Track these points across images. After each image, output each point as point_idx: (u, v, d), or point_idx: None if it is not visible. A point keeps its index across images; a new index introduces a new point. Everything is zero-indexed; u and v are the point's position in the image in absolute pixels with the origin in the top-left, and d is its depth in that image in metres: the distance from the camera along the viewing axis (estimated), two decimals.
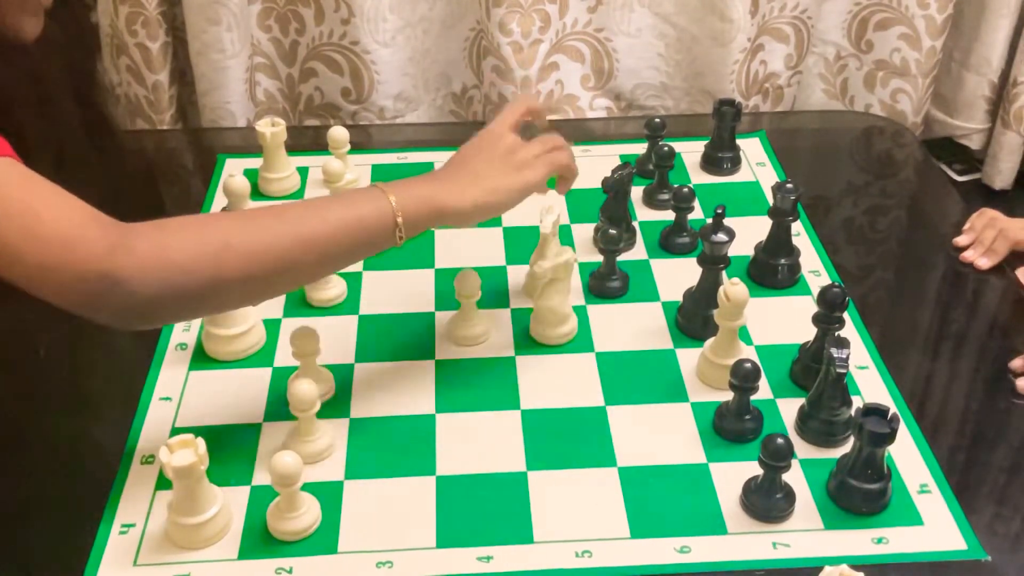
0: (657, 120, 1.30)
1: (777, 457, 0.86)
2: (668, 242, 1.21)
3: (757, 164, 1.37)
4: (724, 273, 1.06)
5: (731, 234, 1.05)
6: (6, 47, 0.87)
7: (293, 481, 0.84)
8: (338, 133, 1.28)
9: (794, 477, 0.90)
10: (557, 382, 1.03)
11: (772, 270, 1.15)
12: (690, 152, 1.37)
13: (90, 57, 1.09)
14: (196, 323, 1.10)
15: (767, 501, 0.88)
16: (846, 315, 0.99)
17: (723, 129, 1.35)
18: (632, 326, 1.10)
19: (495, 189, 0.95)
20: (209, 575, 0.85)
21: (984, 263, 1.18)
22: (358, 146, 1.33)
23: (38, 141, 0.91)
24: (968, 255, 1.19)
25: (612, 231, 1.12)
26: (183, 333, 1.09)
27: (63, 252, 0.77)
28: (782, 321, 1.09)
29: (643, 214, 1.27)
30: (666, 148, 1.25)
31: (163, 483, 0.91)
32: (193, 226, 0.85)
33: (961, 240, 1.21)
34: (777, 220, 1.14)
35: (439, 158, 1.37)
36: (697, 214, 1.23)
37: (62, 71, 0.99)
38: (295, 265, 0.86)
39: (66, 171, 0.97)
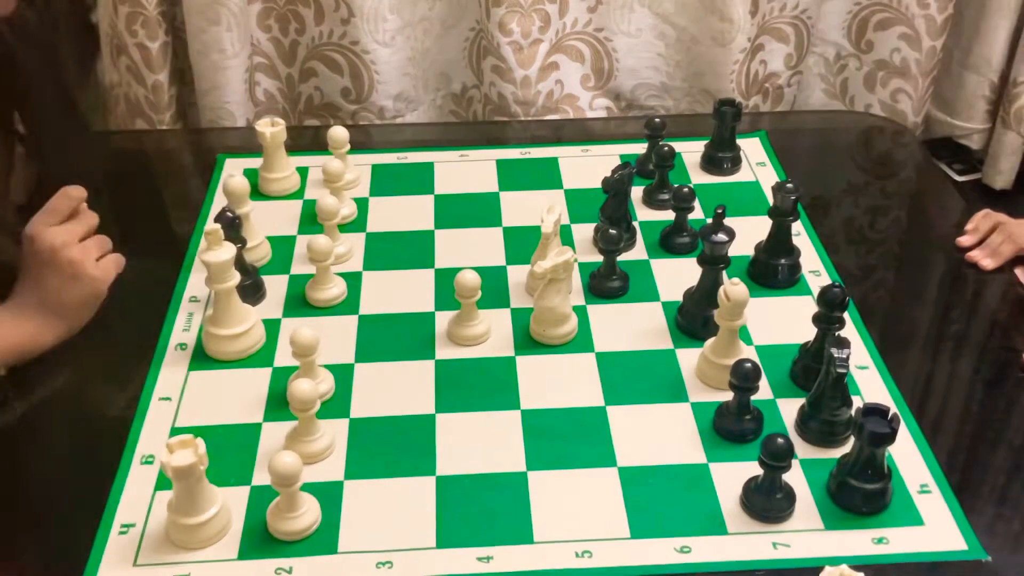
0: (657, 120, 1.30)
1: (777, 457, 0.86)
2: (668, 242, 1.21)
3: (757, 164, 1.37)
4: (724, 273, 1.06)
5: (731, 234, 1.05)
6: None
7: (293, 481, 0.84)
8: (338, 133, 1.28)
9: (794, 477, 0.90)
10: (557, 382, 1.03)
11: (772, 270, 1.15)
12: (690, 152, 1.37)
13: (90, 57, 1.09)
14: (196, 323, 1.10)
15: (767, 501, 0.88)
16: (846, 315, 0.99)
17: (723, 129, 1.35)
18: (632, 326, 1.10)
19: (73, 311, 1.00)
20: (209, 575, 0.85)
21: (989, 264, 1.18)
22: (358, 146, 1.33)
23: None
24: (975, 255, 1.19)
25: (612, 231, 1.12)
26: (183, 333, 1.09)
27: None
28: (782, 321, 1.09)
29: (643, 214, 1.27)
30: (666, 148, 1.25)
31: (163, 483, 0.91)
32: None
33: (964, 240, 1.21)
34: (777, 220, 1.14)
35: (439, 158, 1.38)
36: (697, 214, 1.23)
37: (47, 67, 0.99)
38: None
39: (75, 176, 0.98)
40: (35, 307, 0.98)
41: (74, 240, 1.00)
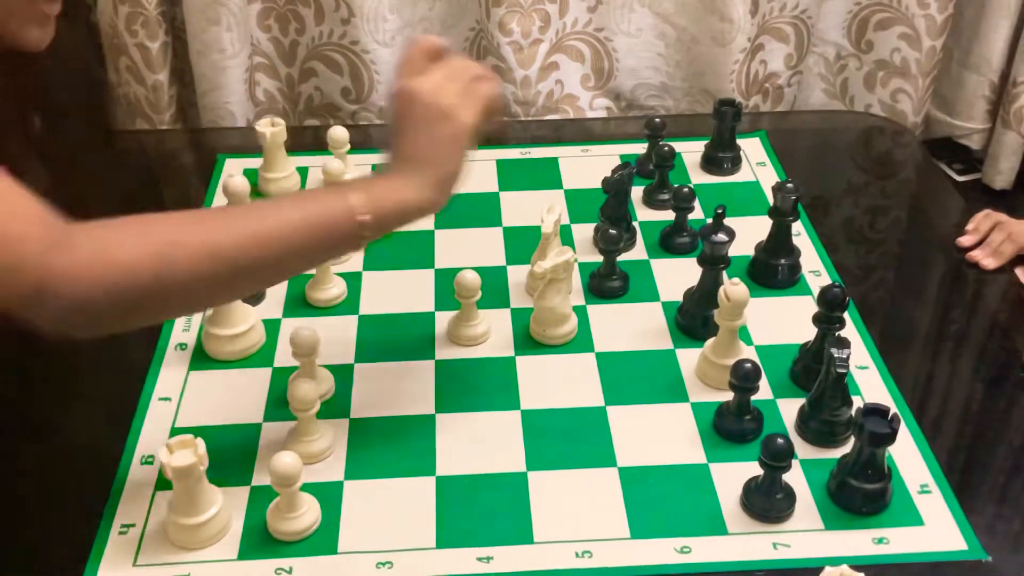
0: (657, 120, 1.30)
1: (777, 457, 0.86)
2: (668, 242, 1.21)
3: (757, 164, 1.37)
4: (724, 273, 1.06)
5: (731, 234, 1.05)
6: (12, 56, 0.86)
7: (293, 481, 0.84)
8: (338, 133, 1.28)
9: (794, 477, 0.90)
10: (557, 382, 1.03)
11: (772, 270, 1.15)
12: (690, 152, 1.37)
13: (100, 64, 1.08)
14: (196, 323, 1.10)
15: (767, 501, 0.88)
16: (846, 315, 0.99)
17: (723, 129, 1.35)
18: (632, 326, 1.10)
19: (444, 166, 0.88)
20: (209, 575, 0.85)
21: (990, 263, 1.18)
22: (358, 146, 1.33)
23: (45, 148, 0.91)
24: (976, 254, 1.19)
25: (612, 231, 1.12)
26: (183, 333, 1.09)
27: (3, 253, 0.73)
28: (782, 321, 1.09)
29: (643, 214, 1.27)
30: (666, 148, 1.25)
31: (163, 483, 0.91)
32: (137, 224, 0.79)
33: (965, 240, 1.21)
34: (777, 220, 1.14)
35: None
36: (697, 214, 1.23)
37: (68, 78, 0.98)
38: (249, 266, 0.81)
39: (75, 176, 0.97)
40: (411, 165, 0.88)
41: (441, 86, 0.88)
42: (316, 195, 0.90)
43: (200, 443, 0.83)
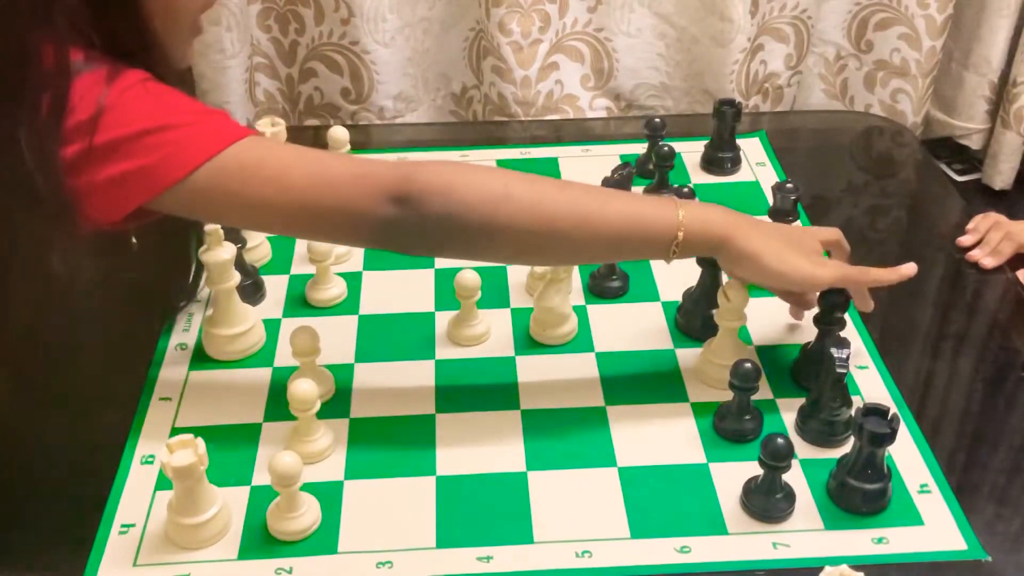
0: (657, 120, 1.30)
1: (777, 457, 0.86)
2: None
3: (757, 164, 1.37)
4: (724, 273, 1.06)
5: None
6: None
7: (293, 481, 0.84)
8: (338, 133, 1.28)
9: (794, 477, 0.90)
10: (557, 382, 1.03)
11: None
12: (690, 152, 1.37)
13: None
14: (196, 323, 1.10)
15: (767, 501, 0.88)
16: (846, 315, 0.99)
17: (723, 129, 1.35)
18: (632, 326, 1.10)
19: (783, 258, 0.93)
20: (209, 575, 0.85)
21: (989, 263, 1.18)
22: (358, 146, 1.33)
23: None
24: (975, 254, 1.19)
25: None
26: (183, 333, 1.09)
27: (362, 184, 0.85)
28: (782, 321, 1.09)
29: None
30: (666, 148, 1.25)
31: (163, 483, 0.91)
32: (480, 171, 0.91)
33: (965, 240, 1.21)
34: (777, 220, 1.14)
35: (439, 158, 1.38)
36: None
37: None
38: (563, 238, 0.89)
39: None
40: (764, 228, 0.96)
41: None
42: (648, 197, 0.99)
43: (200, 443, 0.83)
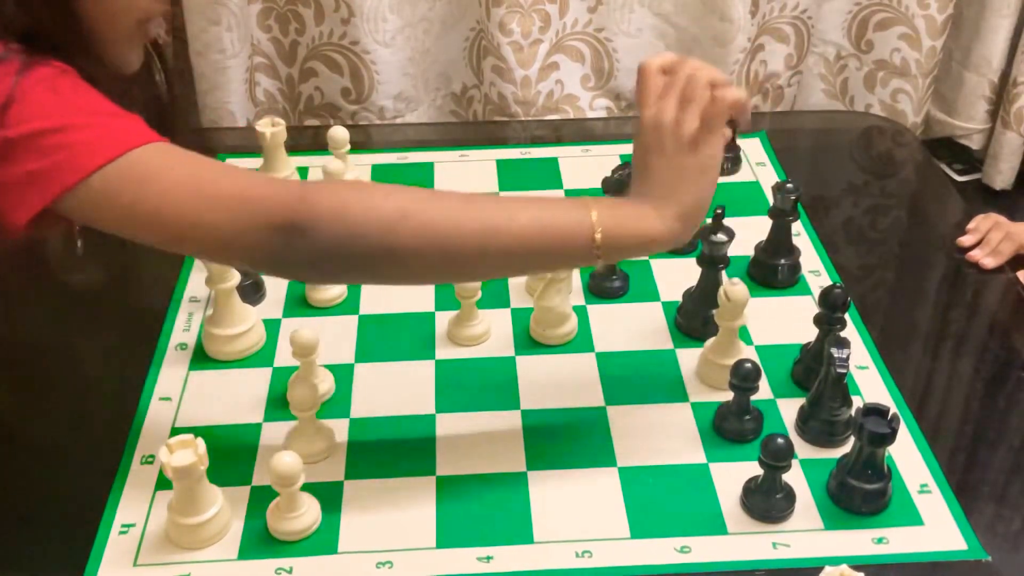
0: None
1: (777, 457, 0.86)
2: None
3: (757, 164, 1.37)
4: (724, 273, 1.06)
5: (731, 234, 1.05)
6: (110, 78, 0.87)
7: (293, 481, 0.84)
8: (338, 133, 1.28)
9: (794, 477, 0.90)
10: (557, 382, 1.03)
11: (772, 270, 1.15)
12: None
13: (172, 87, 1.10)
14: (196, 323, 1.10)
15: (767, 501, 0.88)
16: (846, 315, 0.99)
17: None
18: (632, 326, 1.10)
19: (689, 198, 0.85)
20: (209, 575, 0.85)
21: (990, 263, 1.18)
22: (358, 146, 1.33)
23: None
24: (975, 254, 1.19)
25: None
26: (183, 333, 1.09)
27: (249, 207, 0.79)
28: (782, 321, 1.09)
29: None
30: None
31: (163, 483, 0.91)
32: (377, 192, 0.84)
33: (965, 240, 1.21)
34: (777, 220, 1.14)
35: (439, 158, 1.38)
36: None
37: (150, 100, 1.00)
38: (472, 254, 0.83)
39: None
40: (656, 196, 0.85)
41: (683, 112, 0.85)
42: (558, 202, 0.90)
43: (200, 443, 0.83)
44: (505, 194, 0.85)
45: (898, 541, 0.87)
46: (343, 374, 1.03)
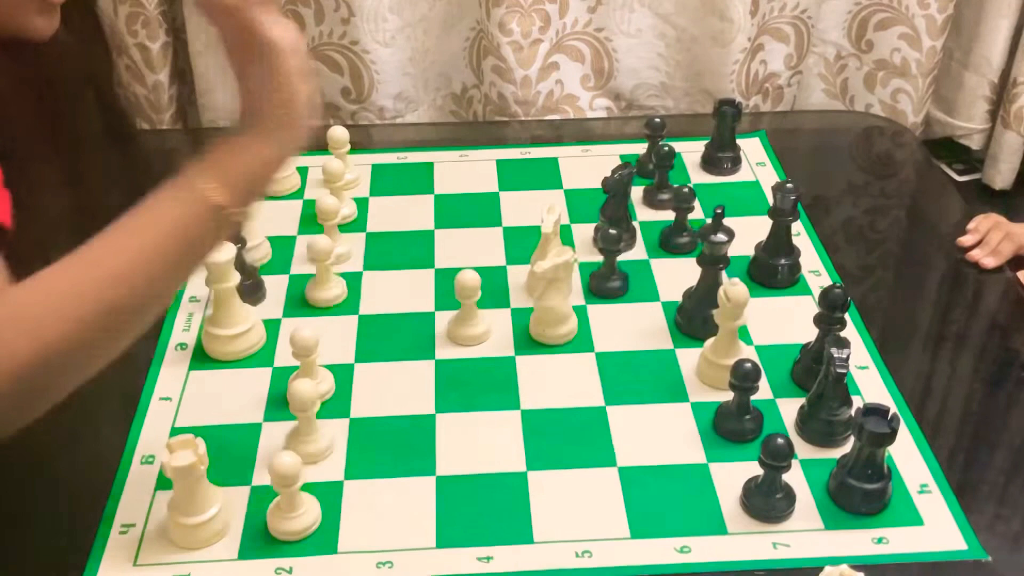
0: (657, 120, 1.30)
1: (777, 457, 0.86)
2: (668, 242, 1.21)
3: (757, 164, 1.37)
4: (724, 273, 1.06)
5: (731, 234, 1.05)
6: (14, 47, 0.84)
7: (293, 481, 0.84)
8: (338, 133, 1.28)
9: (794, 477, 0.90)
10: (557, 382, 1.03)
11: (772, 270, 1.15)
12: (690, 152, 1.37)
13: (107, 56, 1.06)
14: (196, 323, 1.10)
15: (767, 501, 0.88)
16: (846, 315, 0.99)
17: (723, 129, 1.35)
18: (632, 326, 1.10)
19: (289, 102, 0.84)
20: (209, 575, 0.85)
21: (990, 262, 1.18)
22: (358, 146, 1.33)
23: (50, 144, 0.90)
24: (975, 254, 1.19)
25: (612, 231, 1.12)
26: (183, 333, 1.09)
27: None
28: (782, 321, 1.09)
29: (643, 214, 1.27)
30: (666, 148, 1.25)
31: (163, 483, 0.91)
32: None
33: (965, 240, 1.21)
34: (777, 220, 1.14)
35: (439, 158, 1.38)
36: (697, 214, 1.23)
37: (77, 71, 0.98)
38: (120, 311, 0.73)
39: (83, 175, 0.97)
40: (254, 114, 0.85)
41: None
42: (165, 200, 0.79)
43: (200, 443, 0.83)
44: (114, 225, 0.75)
45: (898, 541, 0.87)
46: (343, 374, 1.03)
